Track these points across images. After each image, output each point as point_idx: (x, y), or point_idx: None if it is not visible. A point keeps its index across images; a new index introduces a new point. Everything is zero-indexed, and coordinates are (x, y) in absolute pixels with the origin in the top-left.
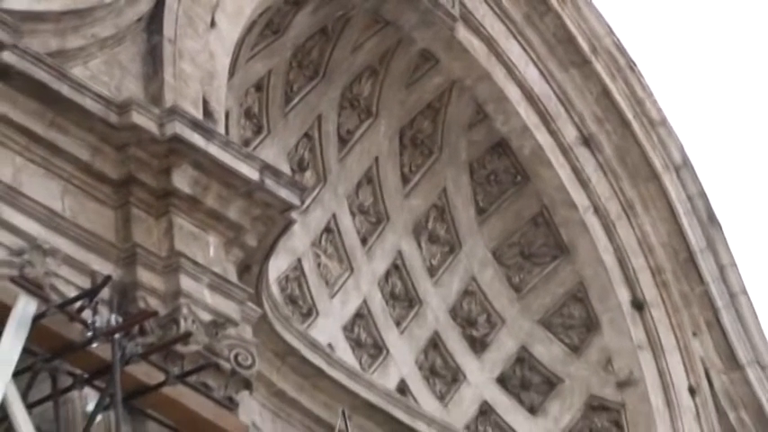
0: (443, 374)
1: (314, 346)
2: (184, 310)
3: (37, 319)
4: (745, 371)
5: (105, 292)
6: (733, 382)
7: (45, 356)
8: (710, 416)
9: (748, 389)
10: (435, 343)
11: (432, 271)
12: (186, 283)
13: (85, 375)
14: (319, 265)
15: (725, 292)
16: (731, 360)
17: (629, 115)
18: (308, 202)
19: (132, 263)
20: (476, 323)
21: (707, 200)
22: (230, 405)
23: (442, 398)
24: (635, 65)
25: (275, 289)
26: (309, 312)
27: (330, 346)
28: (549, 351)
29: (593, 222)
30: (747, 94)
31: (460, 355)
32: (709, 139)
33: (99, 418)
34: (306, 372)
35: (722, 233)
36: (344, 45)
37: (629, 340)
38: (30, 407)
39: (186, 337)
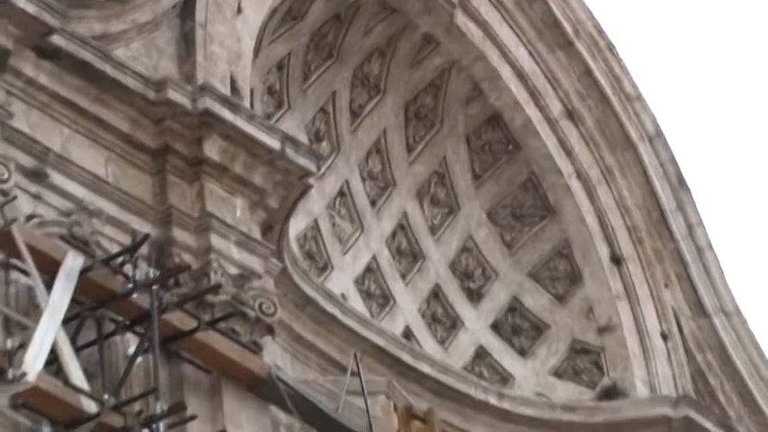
0: (444, 321)
1: (329, 296)
2: (214, 265)
3: (84, 272)
4: (712, 318)
5: (144, 249)
6: (700, 328)
7: (91, 305)
8: (680, 358)
9: (714, 334)
10: (437, 294)
11: (433, 230)
12: (216, 240)
13: (127, 322)
14: (334, 224)
15: (693, 248)
16: (699, 308)
17: (608, 91)
18: (323, 169)
19: (168, 222)
20: (472, 276)
21: (677, 166)
22: (255, 348)
23: (442, 342)
24: (613, 46)
25: (295, 246)
26: (325, 267)
27: (343, 296)
28: (537, 301)
29: (576, 187)
30: (714, 71)
31: (459, 305)
32: (680, 112)
33: (139, 360)
34: (322, 319)
35: (691, 196)
36: (356, 30)
37: (609, 291)
38: (77, 350)
39: (216, 289)
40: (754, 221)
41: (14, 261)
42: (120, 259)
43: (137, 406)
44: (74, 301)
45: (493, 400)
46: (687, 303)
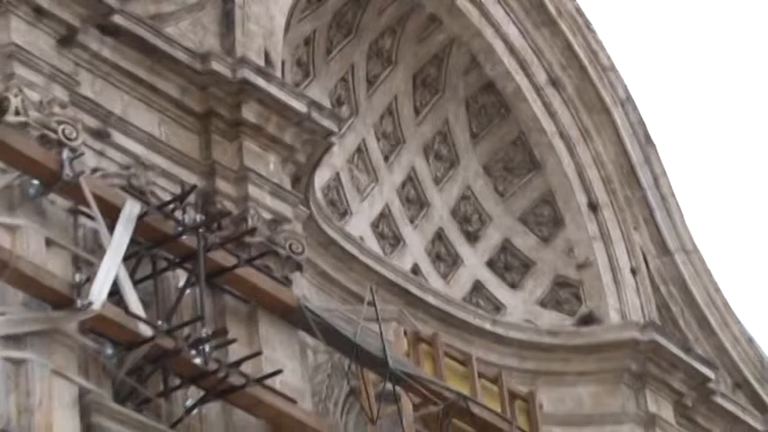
0: (446, 259)
1: (349, 237)
2: (251, 211)
3: (140, 217)
4: (673, 256)
5: (192, 197)
6: (664, 264)
7: (147, 245)
8: (647, 290)
9: (675, 269)
10: (440, 235)
11: (437, 181)
12: (253, 190)
13: (177, 260)
14: (352, 176)
15: (658, 195)
16: (662, 247)
17: (586, 62)
18: (343, 130)
19: (212, 175)
20: (470, 220)
21: (644, 126)
22: (286, 282)
23: (445, 277)
24: (590, 24)
25: (319, 195)
26: (345, 212)
27: (361, 238)
28: (525, 241)
29: (558, 144)
30: (679, 42)
31: (459, 245)
32: (647, 79)
33: (187, 292)
34: (342, 257)
35: (656, 151)
36: (371, 10)
37: (586, 233)
38: (135, 283)
39: (253, 231)
40: (711, 171)
41: (82, 208)
42: (171, 206)
43: (185, 331)
44: (132, 241)
45: (488, 326)
46: (653, 243)
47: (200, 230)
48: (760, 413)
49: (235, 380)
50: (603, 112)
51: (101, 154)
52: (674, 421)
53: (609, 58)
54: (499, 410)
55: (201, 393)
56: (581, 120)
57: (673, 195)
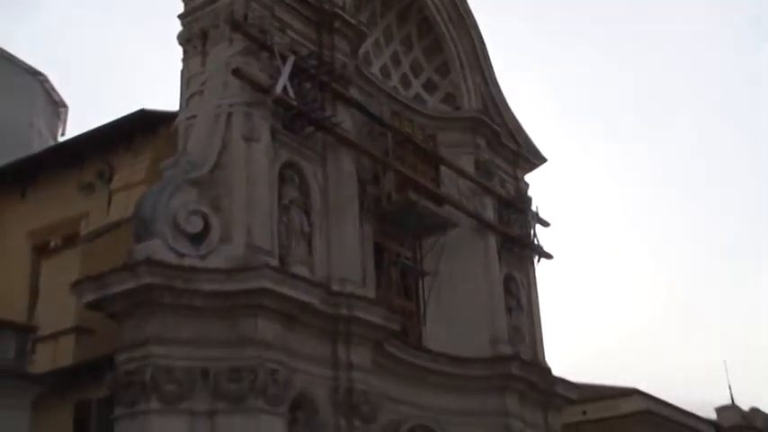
0: (407, 84)
1: (372, 73)
2: (336, 60)
3: (295, 62)
4: (489, 86)
5: (313, 55)
6: (483, 95)
7: (298, 71)
8: (479, 99)
9: (490, 93)
10: (405, 75)
11: (405, 54)
12: (336, 55)
13: (307, 77)
14: (373, 51)
15: (487, 67)
16: (485, 83)
17: (463, 12)
18: (372, 32)
19: (321, 47)
20: (416, 70)
21: (481, 43)
22: (347, 87)
23: (406, 90)
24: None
25: (360, 56)
26: (370, 63)
27: (376, 74)
28: (435, 77)
29: (450, 42)
30: None
31: (413, 79)
32: (489, 17)
33: (311, 90)
34: (369, 81)
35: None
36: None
37: (458, 76)
38: (292, 86)
39: (335, 69)
40: (513, 59)
41: (276, 59)
42: (306, 57)
43: (309, 104)
44: (291, 70)
45: (419, 108)
46: (482, 82)
47: (316, 66)
48: (517, 148)
49: (327, 123)
50: (467, 33)
51: (281, 37)
52: (487, 147)
53: (470, 11)
54: (421, 138)
55: (313, 128)
56: (459, 33)
57: (492, 68)
